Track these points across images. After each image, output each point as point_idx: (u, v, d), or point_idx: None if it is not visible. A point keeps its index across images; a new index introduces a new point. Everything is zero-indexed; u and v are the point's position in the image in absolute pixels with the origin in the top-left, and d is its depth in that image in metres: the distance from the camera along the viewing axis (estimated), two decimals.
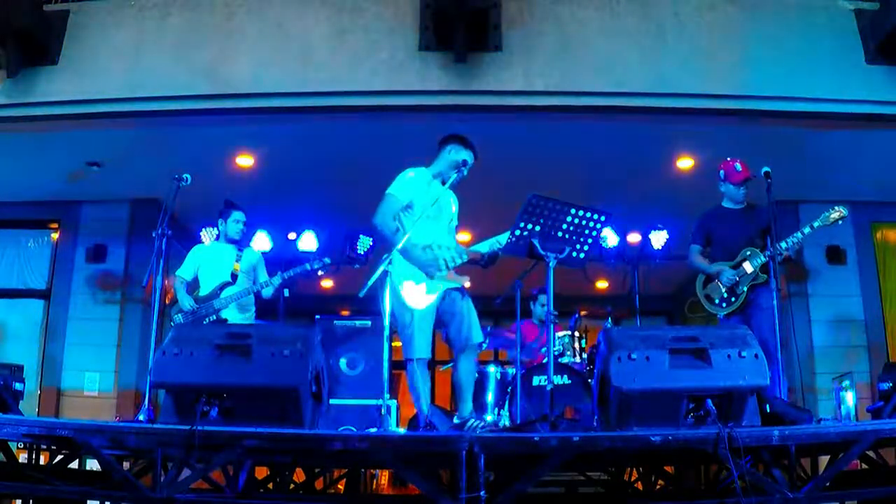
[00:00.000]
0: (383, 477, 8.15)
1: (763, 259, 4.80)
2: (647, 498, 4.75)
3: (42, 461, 4.86)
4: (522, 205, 3.88)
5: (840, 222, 4.70)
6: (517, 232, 3.92)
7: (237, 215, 5.62)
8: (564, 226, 3.93)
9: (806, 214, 7.08)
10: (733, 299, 4.90)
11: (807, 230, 4.67)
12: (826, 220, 4.69)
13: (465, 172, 4.24)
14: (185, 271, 5.60)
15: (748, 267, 4.85)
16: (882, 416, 4.88)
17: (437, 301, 4.13)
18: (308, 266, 5.59)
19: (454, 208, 4.41)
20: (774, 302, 4.48)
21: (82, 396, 6.98)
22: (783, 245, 4.66)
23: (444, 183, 4.24)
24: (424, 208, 4.12)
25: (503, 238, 4.09)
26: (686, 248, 5.27)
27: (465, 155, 4.27)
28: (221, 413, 3.53)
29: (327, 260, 5.68)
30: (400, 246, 3.97)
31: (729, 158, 5.10)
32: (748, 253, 4.89)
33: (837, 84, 5.49)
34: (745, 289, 4.86)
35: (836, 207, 4.69)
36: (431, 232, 4.17)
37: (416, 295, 4.08)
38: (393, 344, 4.04)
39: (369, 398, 5.59)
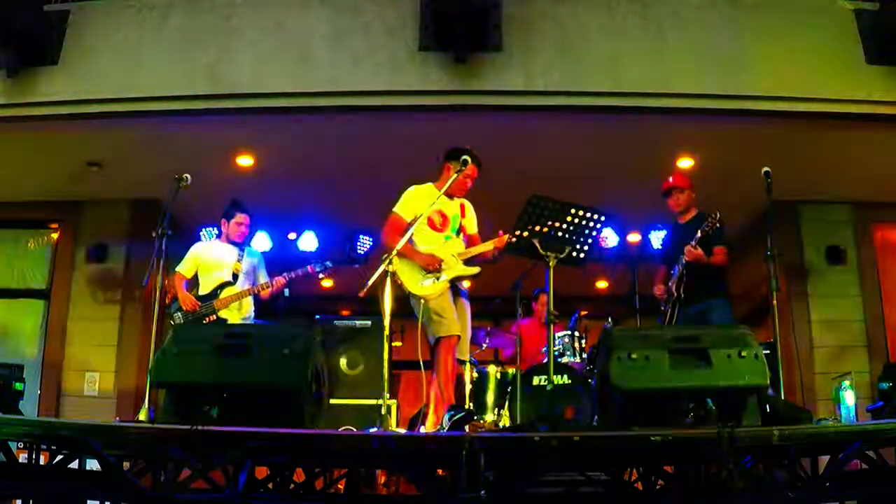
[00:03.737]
0: (382, 476, 8.11)
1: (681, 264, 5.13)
2: (647, 498, 4.75)
3: (42, 461, 4.85)
4: (522, 205, 3.88)
5: (718, 226, 4.95)
6: (517, 232, 3.92)
7: (240, 218, 5.58)
8: (564, 226, 3.94)
9: (806, 214, 7.12)
10: (668, 296, 5.29)
11: (698, 234, 4.96)
12: (713, 224, 4.95)
13: (469, 174, 4.46)
14: (185, 268, 5.58)
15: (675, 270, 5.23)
16: (882, 416, 4.88)
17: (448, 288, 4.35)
18: (310, 269, 5.58)
19: (464, 217, 4.59)
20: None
21: (82, 396, 6.97)
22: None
23: (449, 196, 4.44)
24: (426, 218, 4.36)
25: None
26: None
27: (458, 164, 4.42)
28: (221, 413, 3.53)
29: (329, 263, 5.67)
30: (399, 247, 4.03)
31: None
32: (681, 258, 5.16)
33: (837, 84, 5.49)
34: (674, 288, 5.18)
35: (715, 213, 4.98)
36: (434, 240, 4.42)
37: (426, 285, 4.28)
38: (393, 344, 4.04)
39: (369, 398, 5.58)
